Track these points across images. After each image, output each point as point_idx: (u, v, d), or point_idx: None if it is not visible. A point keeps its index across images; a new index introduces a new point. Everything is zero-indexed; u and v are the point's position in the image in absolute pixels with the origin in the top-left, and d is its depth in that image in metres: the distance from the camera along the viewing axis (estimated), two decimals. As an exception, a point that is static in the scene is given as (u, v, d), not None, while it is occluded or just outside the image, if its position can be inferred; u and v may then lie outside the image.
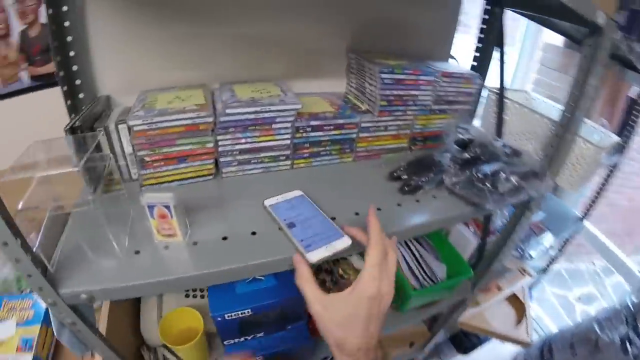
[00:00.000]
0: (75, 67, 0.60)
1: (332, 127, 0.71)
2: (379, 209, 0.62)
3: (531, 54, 1.56)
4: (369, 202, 0.62)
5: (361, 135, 0.76)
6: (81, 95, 0.62)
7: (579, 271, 1.30)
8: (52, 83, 0.84)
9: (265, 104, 0.63)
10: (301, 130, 0.69)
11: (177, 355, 0.73)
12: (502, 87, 0.83)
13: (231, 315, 0.65)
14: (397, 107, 0.76)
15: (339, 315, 0.43)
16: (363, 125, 0.75)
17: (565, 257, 1.28)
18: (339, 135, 0.73)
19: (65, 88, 0.59)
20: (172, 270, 0.48)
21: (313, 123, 0.69)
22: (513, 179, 0.67)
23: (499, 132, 0.87)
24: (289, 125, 0.67)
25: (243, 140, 0.65)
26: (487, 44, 0.84)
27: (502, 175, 0.68)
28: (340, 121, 0.72)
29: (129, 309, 0.76)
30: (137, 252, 0.50)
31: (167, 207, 0.48)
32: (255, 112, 0.63)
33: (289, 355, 0.73)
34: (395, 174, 0.71)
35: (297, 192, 0.61)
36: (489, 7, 0.81)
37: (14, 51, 0.92)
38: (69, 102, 0.60)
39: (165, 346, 0.73)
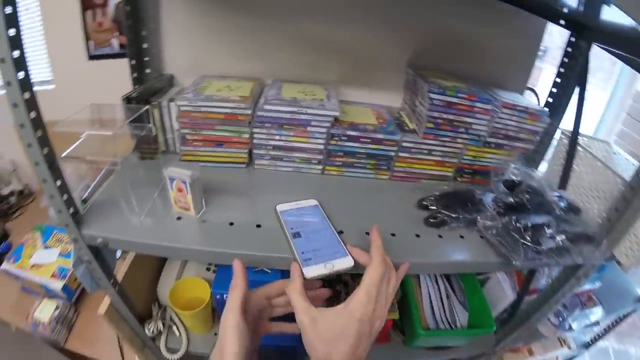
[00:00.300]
0: (145, 45, 0.67)
1: (369, 141, 0.70)
2: (392, 234, 0.59)
3: (622, 101, 1.35)
4: (387, 225, 0.60)
5: (400, 154, 0.72)
6: (148, 71, 0.70)
7: (627, 354, 1.10)
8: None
9: (304, 106, 0.64)
10: (336, 138, 0.69)
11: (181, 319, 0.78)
12: (575, 132, 0.73)
13: (229, 297, 0.67)
14: (445, 131, 0.71)
15: (327, 331, 0.41)
16: (404, 144, 0.71)
17: (616, 335, 1.10)
18: (376, 150, 0.71)
19: (133, 62, 0.66)
20: (174, 239, 0.52)
21: (350, 133, 0.68)
22: (559, 237, 0.59)
23: (563, 182, 0.77)
24: (324, 130, 0.67)
25: (277, 137, 0.67)
26: (567, 80, 0.74)
27: (547, 230, 0.60)
28: (380, 136, 0.69)
29: (154, 266, 0.84)
30: (155, 216, 0.55)
31: (185, 182, 0.51)
32: (292, 112, 0.64)
33: (280, 352, 0.73)
34: (424, 203, 0.67)
35: (312, 202, 0.60)
36: (573, 39, 0.71)
37: (109, 20, 1.06)
38: (135, 74, 0.67)
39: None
